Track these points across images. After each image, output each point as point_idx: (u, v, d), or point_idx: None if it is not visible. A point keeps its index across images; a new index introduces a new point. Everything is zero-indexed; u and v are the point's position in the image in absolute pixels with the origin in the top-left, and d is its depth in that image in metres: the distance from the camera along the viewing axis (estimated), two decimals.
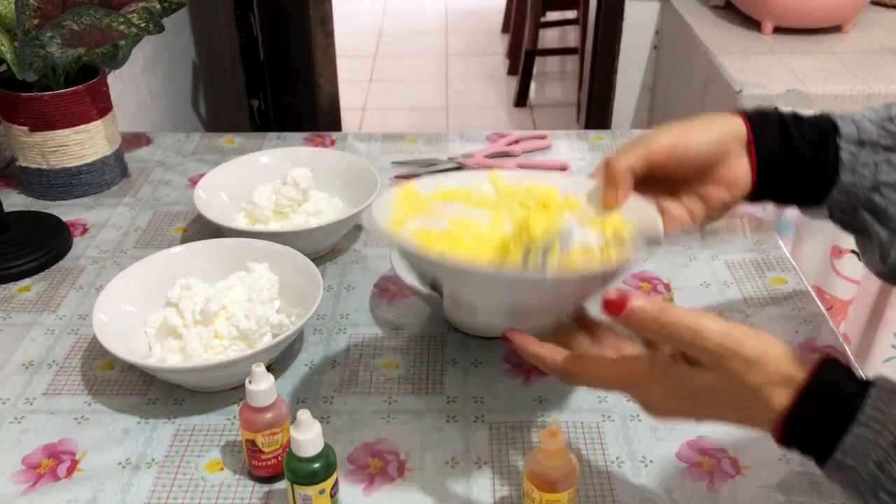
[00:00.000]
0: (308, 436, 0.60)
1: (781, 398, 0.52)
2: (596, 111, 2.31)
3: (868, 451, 0.50)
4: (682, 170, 0.68)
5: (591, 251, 0.68)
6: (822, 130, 0.67)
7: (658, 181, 0.68)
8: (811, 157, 0.67)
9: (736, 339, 0.53)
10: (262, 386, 0.65)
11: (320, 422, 0.61)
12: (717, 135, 0.68)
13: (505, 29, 3.92)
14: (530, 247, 0.68)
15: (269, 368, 0.81)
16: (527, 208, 0.74)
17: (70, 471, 0.71)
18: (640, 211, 0.67)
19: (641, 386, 0.57)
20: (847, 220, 0.69)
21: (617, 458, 0.71)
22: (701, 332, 0.53)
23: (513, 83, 3.38)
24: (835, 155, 0.66)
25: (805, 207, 0.70)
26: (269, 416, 0.66)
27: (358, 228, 1.04)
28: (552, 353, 0.60)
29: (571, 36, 3.64)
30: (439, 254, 0.62)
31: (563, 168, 1.15)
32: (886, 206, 0.66)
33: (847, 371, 0.53)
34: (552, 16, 3.37)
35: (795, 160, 0.67)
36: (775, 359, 0.53)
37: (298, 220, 0.99)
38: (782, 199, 0.70)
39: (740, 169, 0.68)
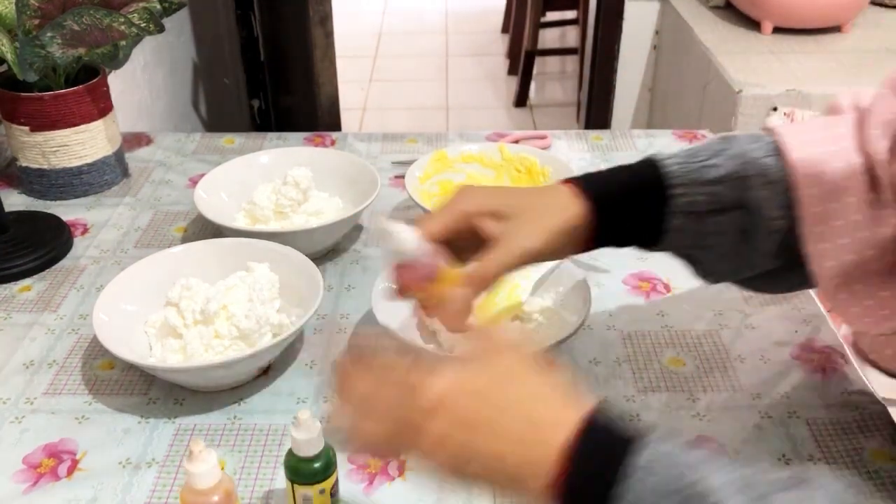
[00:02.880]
0: (308, 436, 0.60)
1: (563, 426, 0.48)
2: (596, 111, 2.31)
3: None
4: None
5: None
6: (650, 200, 0.66)
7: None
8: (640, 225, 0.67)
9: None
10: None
11: (320, 422, 0.61)
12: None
13: (505, 29, 3.92)
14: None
15: (269, 368, 0.81)
16: (518, 171, 1.07)
17: (70, 470, 0.71)
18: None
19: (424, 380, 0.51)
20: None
21: None
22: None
23: (513, 83, 3.38)
24: (662, 222, 0.66)
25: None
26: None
27: (358, 228, 1.04)
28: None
29: (571, 36, 3.64)
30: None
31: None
32: (705, 258, 0.68)
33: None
34: (552, 16, 3.37)
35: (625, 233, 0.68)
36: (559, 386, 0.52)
37: (298, 220, 0.99)
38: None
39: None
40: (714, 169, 0.65)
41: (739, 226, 0.65)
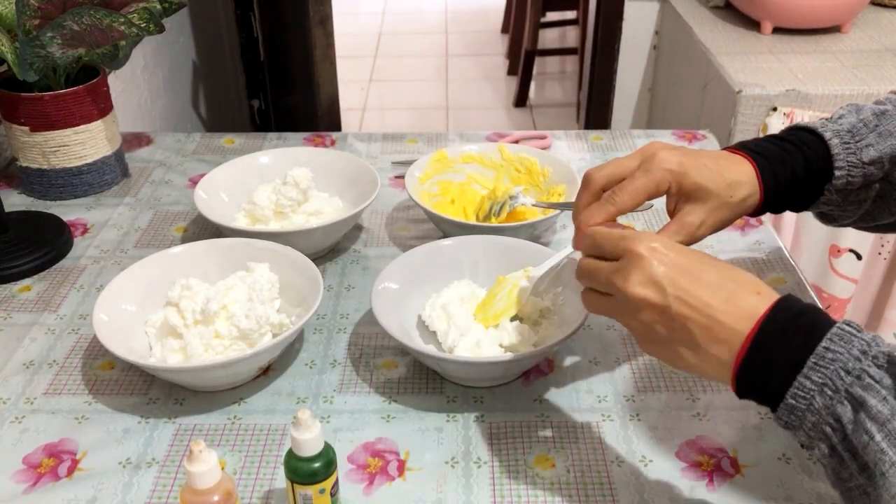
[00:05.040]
0: (308, 435, 0.60)
1: (757, 301, 0.55)
2: (596, 111, 2.31)
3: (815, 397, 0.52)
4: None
5: (526, 209, 0.99)
6: (816, 180, 0.75)
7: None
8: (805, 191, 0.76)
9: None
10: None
11: (320, 421, 0.61)
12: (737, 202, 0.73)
13: (505, 29, 3.92)
14: (493, 202, 0.98)
15: (269, 368, 0.81)
16: (518, 171, 1.07)
17: (71, 470, 0.71)
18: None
19: (654, 238, 0.59)
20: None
21: (617, 458, 0.72)
22: None
23: (513, 83, 3.38)
24: (821, 195, 0.76)
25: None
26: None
27: (358, 228, 1.04)
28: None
29: (571, 36, 3.65)
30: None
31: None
32: (839, 215, 0.79)
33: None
34: (552, 16, 3.37)
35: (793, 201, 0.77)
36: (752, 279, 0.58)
37: (298, 220, 0.99)
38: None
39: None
40: (871, 149, 0.73)
41: (878, 193, 0.76)
